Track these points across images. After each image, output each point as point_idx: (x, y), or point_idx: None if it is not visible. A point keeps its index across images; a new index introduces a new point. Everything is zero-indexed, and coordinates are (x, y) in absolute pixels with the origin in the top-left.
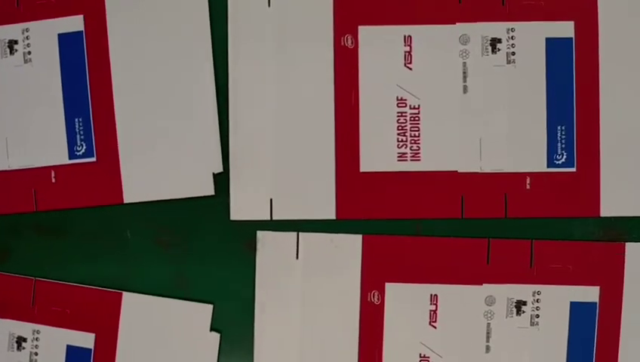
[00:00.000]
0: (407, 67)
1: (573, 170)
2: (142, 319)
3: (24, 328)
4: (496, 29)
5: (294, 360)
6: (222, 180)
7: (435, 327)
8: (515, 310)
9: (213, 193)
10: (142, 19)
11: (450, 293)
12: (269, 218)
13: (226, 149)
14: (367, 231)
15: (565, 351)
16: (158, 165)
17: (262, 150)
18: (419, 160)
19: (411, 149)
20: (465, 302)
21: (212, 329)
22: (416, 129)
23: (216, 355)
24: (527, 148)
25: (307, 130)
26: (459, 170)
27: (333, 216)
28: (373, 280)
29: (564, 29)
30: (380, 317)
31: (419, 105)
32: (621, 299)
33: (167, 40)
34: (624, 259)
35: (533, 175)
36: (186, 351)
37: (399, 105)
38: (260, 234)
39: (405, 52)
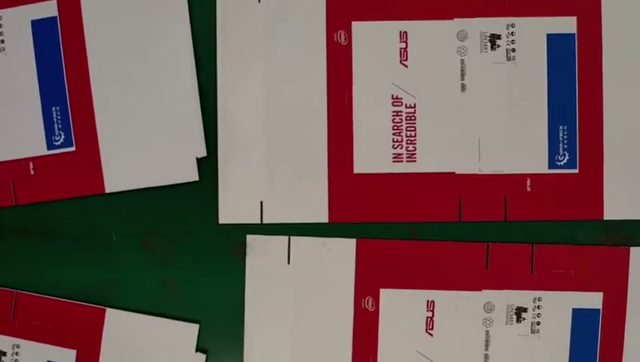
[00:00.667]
0: (403, 64)
1: (576, 171)
2: (125, 337)
3: (4, 342)
4: (496, 24)
5: None
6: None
7: (431, 335)
8: (515, 317)
9: (197, 179)
10: (118, 2)
11: (447, 300)
12: (259, 221)
13: (215, 150)
14: (361, 235)
15: (567, 360)
16: (140, 152)
17: (252, 151)
18: (415, 161)
19: (407, 150)
20: (463, 308)
21: (198, 349)
22: (412, 129)
23: None
24: (528, 149)
25: (299, 129)
26: (457, 172)
27: (325, 220)
28: (367, 286)
29: (567, 24)
30: (374, 325)
31: (415, 104)
32: (625, 306)
33: (144, 23)
34: (628, 264)
35: (534, 176)
36: None
37: (394, 103)
38: (249, 238)
39: (401, 49)
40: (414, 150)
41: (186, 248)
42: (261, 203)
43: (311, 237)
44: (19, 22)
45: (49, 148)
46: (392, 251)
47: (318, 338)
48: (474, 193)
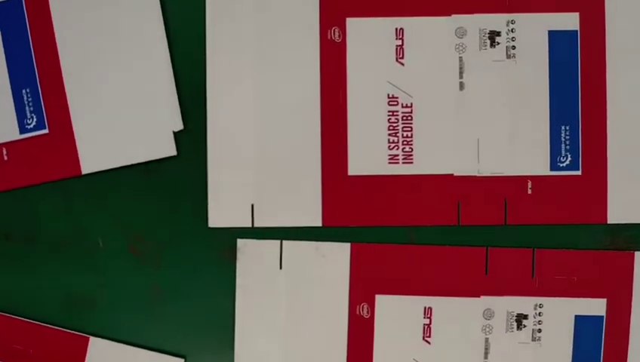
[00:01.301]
0: (399, 62)
1: (578, 173)
2: None
3: None
4: (495, 20)
5: None
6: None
7: (429, 343)
8: (515, 324)
9: (175, 153)
10: None
11: (445, 306)
12: (250, 225)
13: (204, 151)
14: (356, 240)
15: None
16: (115, 130)
17: (242, 152)
18: (411, 162)
19: (403, 151)
20: (461, 315)
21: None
22: (409, 129)
23: None
24: (529, 150)
25: (291, 130)
26: (455, 174)
27: (319, 223)
28: (362, 292)
29: (569, 20)
30: (369, 332)
31: (411, 104)
32: (630, 313)
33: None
34: (633, 269)
35: (535, 179)
36: None
37: (390, 103)
38: (240, 242)
39: (397, 46)
40: (411, 151)
41: (175, 253)
42: (252, 206)
43: (304, 242)
44: None
45: (22, 132)
46: (388, 256)
47: (311, 347)
48: (473, 196)
